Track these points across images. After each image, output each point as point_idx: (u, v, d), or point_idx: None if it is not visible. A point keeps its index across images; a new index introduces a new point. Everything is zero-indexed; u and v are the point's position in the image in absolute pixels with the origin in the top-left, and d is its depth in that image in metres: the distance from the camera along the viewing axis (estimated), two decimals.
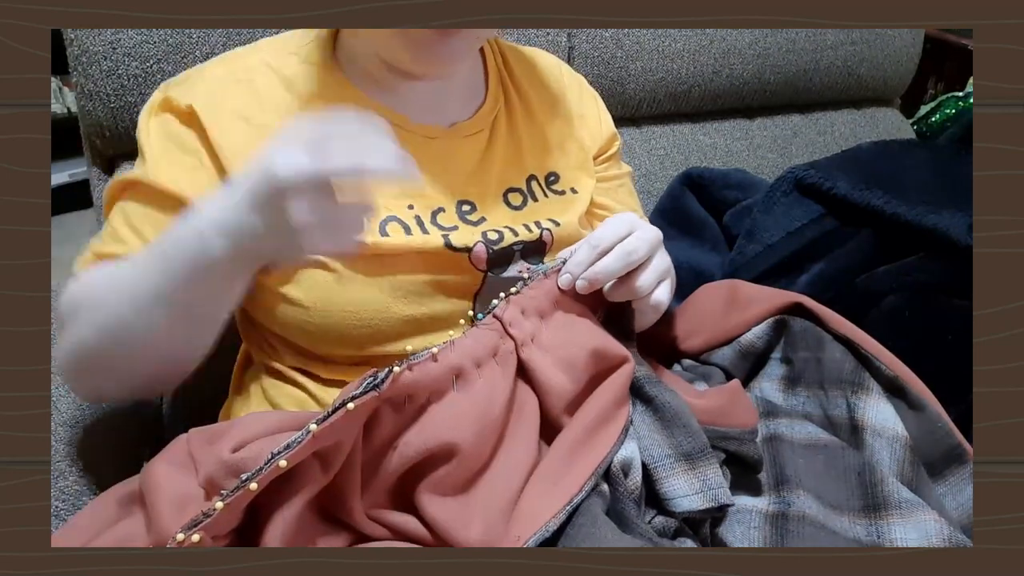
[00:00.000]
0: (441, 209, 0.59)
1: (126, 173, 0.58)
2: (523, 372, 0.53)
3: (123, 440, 0.69)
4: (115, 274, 0.53)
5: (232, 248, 0.45)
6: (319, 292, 0.54)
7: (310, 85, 0.59)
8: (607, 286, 0.56)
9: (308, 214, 0.42)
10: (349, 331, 0.54)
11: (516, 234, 0.60)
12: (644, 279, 0.56)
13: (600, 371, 0.54)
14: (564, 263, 0.56)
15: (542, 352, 0.53)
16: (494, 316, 0.53)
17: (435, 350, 0.47)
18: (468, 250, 0.57)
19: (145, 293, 0.49)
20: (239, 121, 0.56)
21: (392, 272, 0.55)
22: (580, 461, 0.47)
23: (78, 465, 0.61)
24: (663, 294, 0.58)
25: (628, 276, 0.56)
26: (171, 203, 0.55)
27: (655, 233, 0.57)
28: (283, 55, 0.60)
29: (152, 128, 0.57)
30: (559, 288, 0.55)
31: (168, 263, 0.48)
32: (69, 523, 0.45)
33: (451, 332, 0.51)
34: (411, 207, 0.58)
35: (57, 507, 0.57)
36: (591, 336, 0.55)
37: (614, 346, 0.55)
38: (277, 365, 0.60)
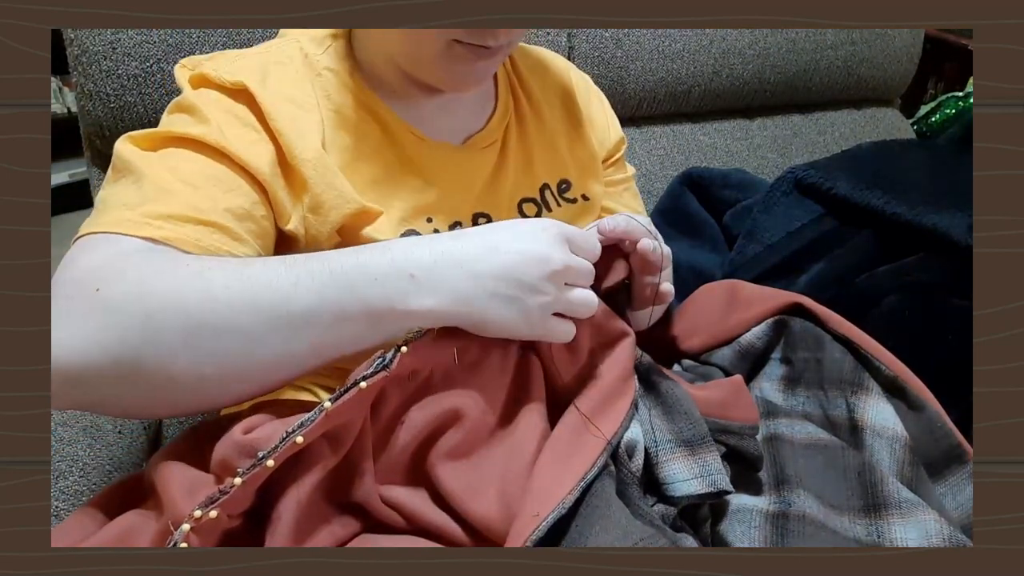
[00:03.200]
0: (459, 223, 0.60)
1: (167, 128, 0.51)
2: (527, 345, 0.54)
3: (123, 440, 0.69)
4: (232, 268, 0.43)
5: (449, 310, 0.44)
6: None
7: (339, 94, 0.58)
8: None
9: (567, 300, 0.47)
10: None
11: None
12: None
13: (599, 344, 0.55)
14: None
15: None
16: None
17: (436, 327, 0.48)
18: None
19: (285, 307, 0.41)
20: (287, 103, 0.54)
21: None
22: (590, 439, 0.48)
23: (78, 465, 0.62)
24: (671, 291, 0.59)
25: None
26: (237, 170, 0.50)
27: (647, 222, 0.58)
28: (310, 57, 0.58)
29: (203, 97, 0.52)
30: None
31: (344, 286, 0.42)
32: (72, 516, 0.45)
33: None
34: (430, 220, 0.59)
35: (57, 507, 0.57)
36: None
37: (611, 319, 0.56)
38: None
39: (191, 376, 0.41)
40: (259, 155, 0.51)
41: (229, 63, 0.55)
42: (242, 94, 0.53)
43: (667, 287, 0.59)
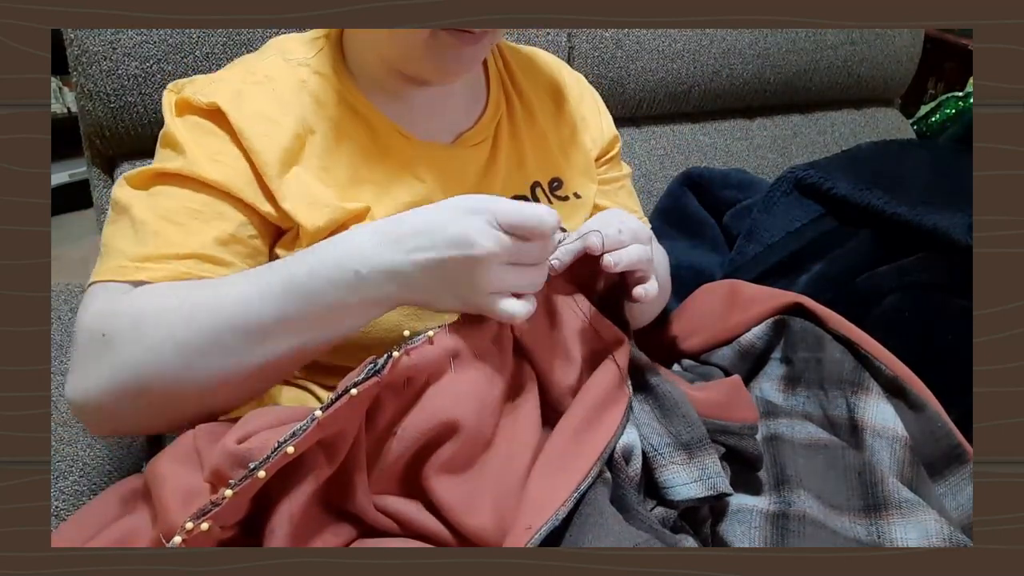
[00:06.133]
0: None
1: (155, 165, 0.55)
2: (520, 353, 0.53)
3: (123, 441, 0.69)
4: (208, 294, 0.48)
5: (398, 295, 0.47)
6: None
7: (326, 97, 0.58)
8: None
9: (501, 281, 0.46)
10: (356, 347, 0.54)
11: None
12: (617, 256, 0.54)
13: (593, 351, 0.55)
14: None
15: (537, 333, 0.54)
16: None
17: (431, 333, 0.47)
18: None
19: (256, 321, 0.46)
20: (264, 121, 0.55)
21: None
22: (584, 445, 0.48)
23: (78, 465, 0.62)
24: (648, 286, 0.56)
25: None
26: (219, 196, 0.53)
27: (638, 224, 0.56)
28: (293, 65, 0.59)
29: (181, 126, 0.55)
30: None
31: (301, 295, 0.46)
32: (72, 519, 0.45)
33: (446, 316, 0.51)
34: None
35: (57, 507, 0.57)
36: (579, 318, 0.56)
37: (605, 326, 0.56)
38: None
39: (194, 391, 0.47)
40: (238, 175, 0.54)
41: (206, 85, 0.57)
42: (216, 114, 0.55)
43: (643, 290, 0.55)
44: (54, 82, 2.18)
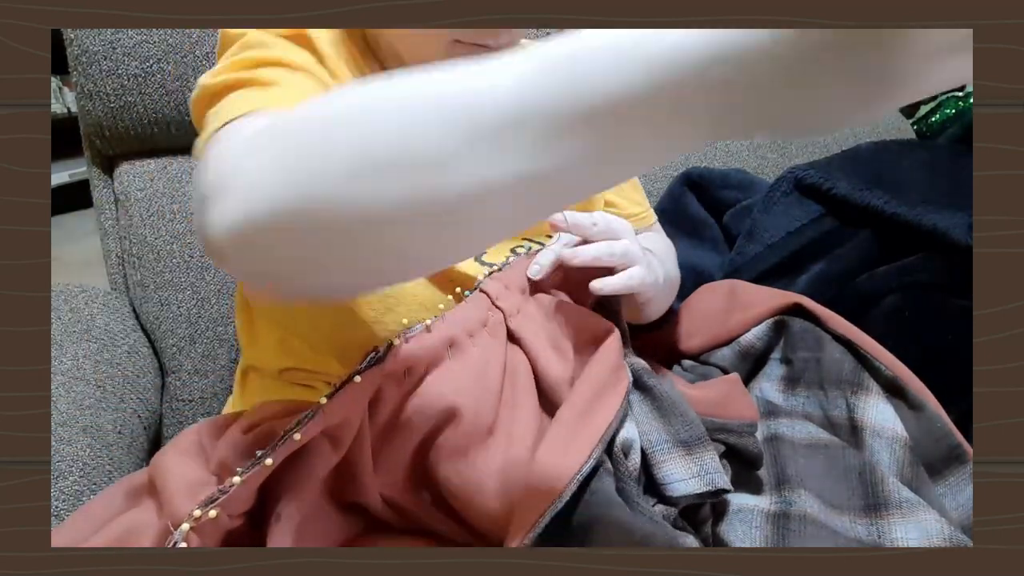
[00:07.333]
0: None
1: (245, 54, 0.49)
2: (515, 343, 0.54)
3: (123, 440, 0.69)
4: (394, 80, 0.30)
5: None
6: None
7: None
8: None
9: None
10: (357, 345, 0.54)
11: (541, 245, 0.61)
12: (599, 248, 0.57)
13: (584, 342, 0.55)
14: (541, 249, 0.59)
15: (529, 323, 0.55)
16: (481, 290, 0.55)
17: (428, 322, 0.49)
18: (501, 268, 0.58)
19: (513, 110, 0.28)
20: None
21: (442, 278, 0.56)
22: (585, 429, 0.48)
23: (78, 465, 0.61)
24: (637, 276, 0.58)
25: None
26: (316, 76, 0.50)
27: (620, 221, 0.59)
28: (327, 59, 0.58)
29: (265, 36, 0.51)
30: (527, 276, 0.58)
31: (569, 76, 0.29)
32: (76, 514, 0.45)
33: (442, 306, 0.52)
34: None
35: (57, 507, 0.57)
36: (569, 310, 0.57)
37: (595, 319, 0.56)
38: (279, 370, 0.60)
39: (366, 214, 0.29)
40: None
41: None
42: (301, 37, 0.53)
43: (598, 283, 0.57)
44: (54, 82, 2.19)
